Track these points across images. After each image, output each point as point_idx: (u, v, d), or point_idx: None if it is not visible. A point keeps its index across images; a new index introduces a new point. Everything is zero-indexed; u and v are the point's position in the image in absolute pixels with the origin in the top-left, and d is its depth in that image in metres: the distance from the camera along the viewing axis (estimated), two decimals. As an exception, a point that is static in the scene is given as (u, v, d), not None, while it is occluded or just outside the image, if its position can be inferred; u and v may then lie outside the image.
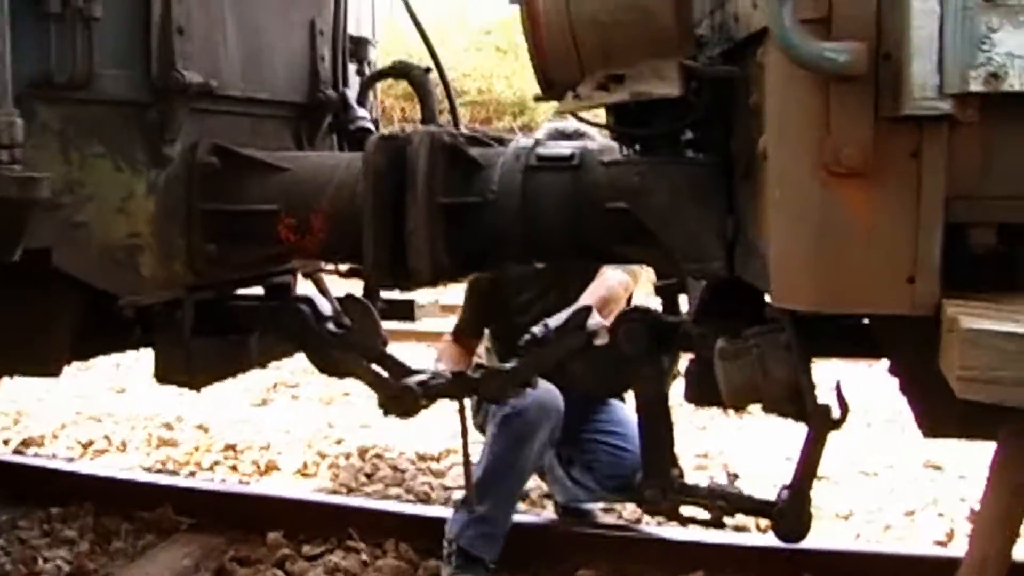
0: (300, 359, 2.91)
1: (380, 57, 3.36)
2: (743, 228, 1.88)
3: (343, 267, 2.71)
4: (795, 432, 2.07)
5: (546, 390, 3.01)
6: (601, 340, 2.37)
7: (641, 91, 1.80)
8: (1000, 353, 1.20)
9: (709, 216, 1.95)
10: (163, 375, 2.59)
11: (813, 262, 1.46)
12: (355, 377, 2.57)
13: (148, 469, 4.48)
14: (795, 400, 1.91)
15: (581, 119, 2.11)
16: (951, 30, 1.36)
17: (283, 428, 5.09)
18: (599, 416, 3.51)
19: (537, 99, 2.08)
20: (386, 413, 2.53)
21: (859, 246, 1.43)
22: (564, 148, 2.28)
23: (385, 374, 2.56)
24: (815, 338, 1.90)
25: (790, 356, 1.89)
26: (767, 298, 1.71)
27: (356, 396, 5.86)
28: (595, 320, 2.41)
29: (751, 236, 1.80)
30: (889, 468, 4.41)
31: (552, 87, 1.99)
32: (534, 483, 4.07)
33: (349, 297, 2.65)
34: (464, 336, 3.52)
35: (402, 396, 2.49)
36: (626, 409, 3.52)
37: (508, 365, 2.49)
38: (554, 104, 2.02)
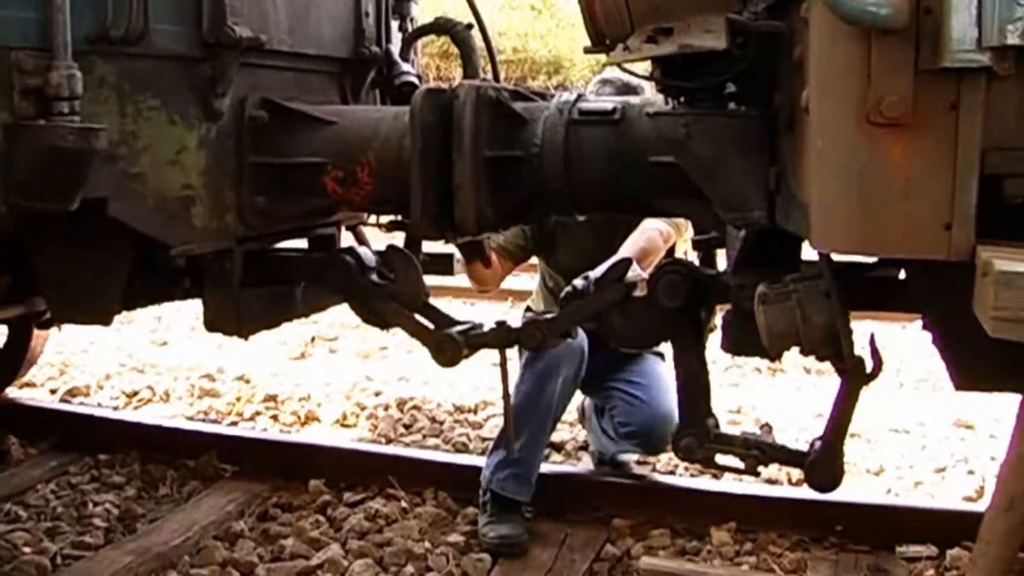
0: (337, 313, 3.07)
1: (420, 15, 3.40)
2: (785, 179, 1.93)
3: (384, 220, 2.78)
4: (827, 389, 2.14)
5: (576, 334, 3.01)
6: (640, 293, 2.43)
7: (688, 43, 1.86)
8: (1032, 294, 1.22)
9: (752, 167, 2.00)
10: (213, 323, 2.66)
11: (854, 208, 1.52)
12: (398, 327, 2.64)
13: (191, 418, 4.62)
14: (833, 345, 1.96)
15: (629, 71, 2.16)
16: None
17: (322, 380, 5.22)
18: (628, 366, 3.58)
19: (587, 51, 2.13)
20: (438, 362, 2.58)
21: (898, 193, 1.49)
22: (607, 103, 2.34)
23: (429, 325, 2.63)
24: (852, 290, 1.97)
25: (829, 303, 1.93)
26: (806, 248, 1.78)
27: (394, 349, 6.02)
28: (635, 271, 2.48)
29: (792, 186, 1.85)
30: (920, 426, 4.47)
31: (602, 40, 2.05)
32: (569, 434, 4.19)
33: (392, 248, 2.70)
34: (503, 257, 3.51)
35: (446, 345, 2.55)
36: (660, 363, 3.60)
37: (548, 316, 2.56)
38: (594, 62, 2.13)
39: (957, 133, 1.46)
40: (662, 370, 3.52)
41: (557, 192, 2.35)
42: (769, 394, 5.10)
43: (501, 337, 2.57)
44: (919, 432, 4.39)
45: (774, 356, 2.05)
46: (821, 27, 1.51)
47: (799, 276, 1.98)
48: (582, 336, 3.19)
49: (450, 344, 2.55)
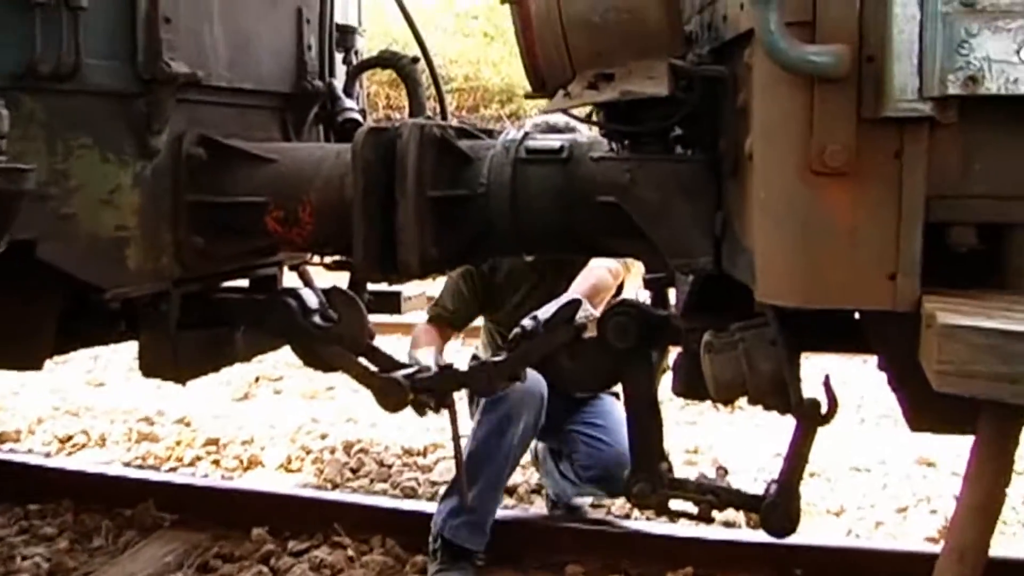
0: (283, 351, 3.01)
1: (367, 45, 3.41)
2: (730, 224, 1.95)
3: (329, 260, 2.77)
4: (786, 427, 2.14)
5: (529, 376, 3.04)
6: (589, 334, 2.45)
7: (630, 90, 1.87)
8: (974, 348, 1.28)
9: (697, 212, 2.02)
10: (149, 369, 2.65)
11: (798, 260, 1.54)
12: (342, 371, 2.64)
13: (128, 464, 4.56)
14: (781, 394, 1.99)
15: (572, 116, 2.19)
16: (931, 34, 1.45)
17: (266, 423, 5.17)
18: (585, 409, 3.59)
19: (528, 96, 2.16)
20: (383, 407, 2.59)
21: (842, 244, 1.51)
22: (554, 141, 2.35)
23: (373, 368, 2.63)
24: (803, 333, 1.98)
25: (776, 351, 1.96)
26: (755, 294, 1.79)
27: (340, 390, 5.95)
28: (586, 310, 2.51)
29: (738, 233, 1.87)
30: (882, 464, 4.52)
31: (543, 85, 2.07)
32: (521, 477, 4.19)
33: (335, 290, 2.70)
34: (445, 325, 3.53)
35: (390, 390, 2.55)
36: (616, 403, 3.61)
37: (496, 359, 2.57)
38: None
39: (901, 182, 1.49)
40: (620, 411, 3.48)
41: (504, 232, 2.36)
42: (727, 432, 5.13)
43: (447, 381, 2.58)
44: (880, 470, 4.44)
45: (725, 403, 2.08)
46: (763, 74, 1.54)
47: (745, 324, 2.01)
48: (541, 381, 3.22)
49: (395, 389, 2.56)
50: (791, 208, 1.53)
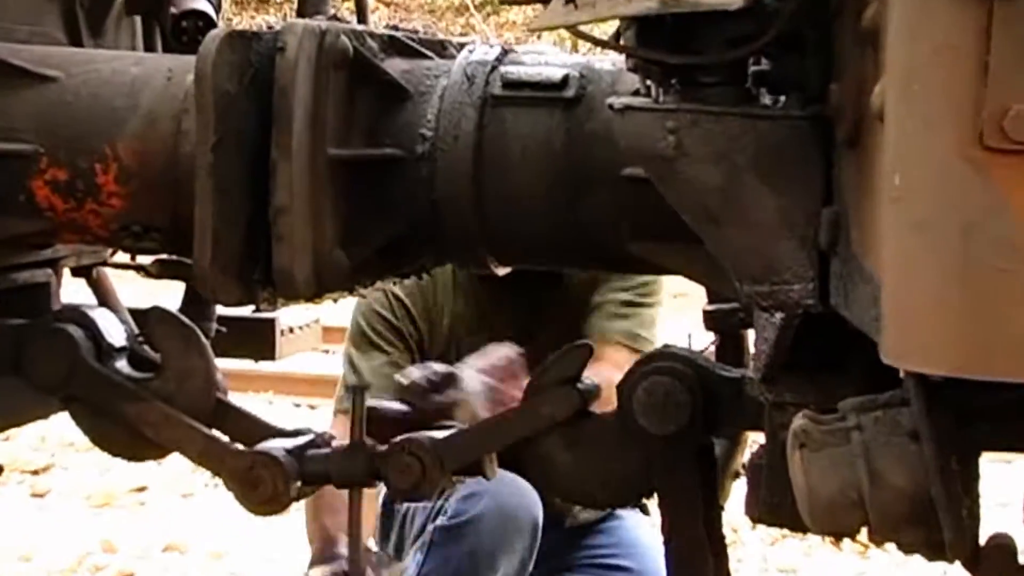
0: (55, 422, 2.61)
1: None
2: (845, 229, 1.56)
3: (148, 259, 2.36)
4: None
5: (510, 483, 2.56)
6: (603, 408, 2.04)
7: None
8: None
9: (789, 206, 1.60)
10: None
11: (956, 297, 1.22)
12: (167, 446, 2.17)
13: None
14: (927, 525, 1.54)
15: (583, 35, 1.73)
16: None
17: (15, 551, 4.37)
18: (597, 539, 3.12)
19: (505, 1, 1.91)
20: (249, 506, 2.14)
21: None
22: (552, 67, 1.97)
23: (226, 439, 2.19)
24: (973, 419, 1.60)
25: (919, 451, 1.53)
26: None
27: (157, 491, 5.22)
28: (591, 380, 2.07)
29: (856, 245, 1.49)
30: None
31: None
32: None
33: (157, 313, 2.24)
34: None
35: (262, 473, 2.05)
36: (646, 526, 3.16)
37: (440, 434, 2.11)
38: (529, 11, 1.85)
39: None
40: (654, 539, 3.00)
41: (460, 222, 1.96)
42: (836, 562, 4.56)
43: (356, 465, 2.09)
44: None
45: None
46: None
47: (868, 401, 1.59)
48: (533, 497, 2.73)
49: (270, 470, 2.04)
50: (945, 207, 1.21)
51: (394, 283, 2.69)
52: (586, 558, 3.11)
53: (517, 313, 2.98)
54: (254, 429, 2.22)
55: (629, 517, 3.19)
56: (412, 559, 2.83)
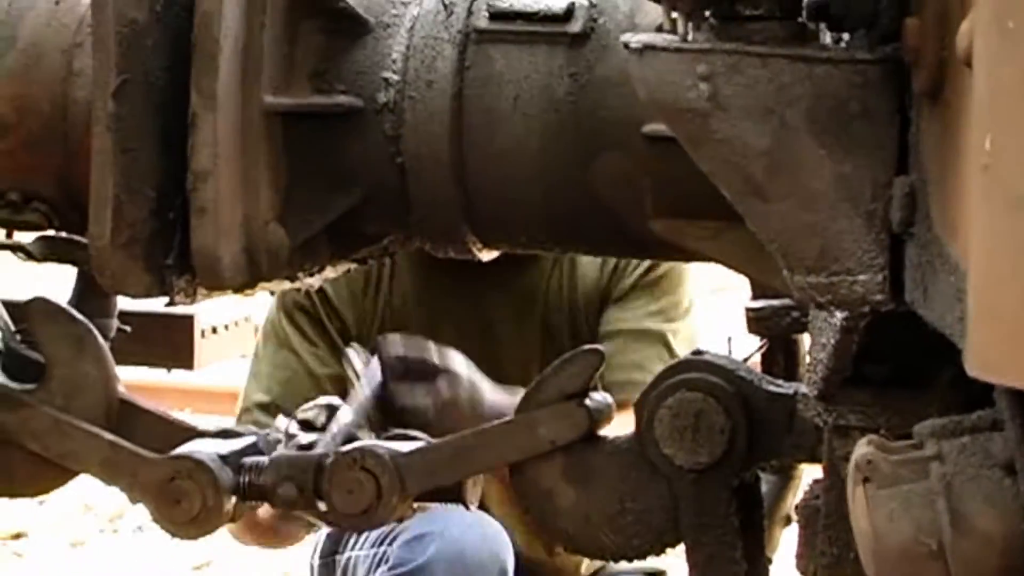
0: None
1: None
2: (924, 206, 1.49)
3: (28, 236, 2.24)
4: None
5: (470, 522, 2.58)
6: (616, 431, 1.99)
7: None
8: None
9: (855, 176, 1.53)
10: None
11: None
12: (62, 461, 2.07)
13: None
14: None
15: None
16: None
17: None
18: None
19: None
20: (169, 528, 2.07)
21: None
22: None
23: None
24: None
25: (1013, 485, 1.46)
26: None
27: (39, 538, 5.12)
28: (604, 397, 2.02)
29: (938, 226, 1.42)
30: None
31: None
32: None
33: (39, 304, 2.14)
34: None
35: (186, 483, 1.98)
36: None
37: (405, 447, 2.03)
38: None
39: None
40: None
41: (434, 191, 1.89)
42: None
43: (300, 478, 2.01)
44: None
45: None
46: None
47: (951, 424, 1.52)
48: (500, 537, 2.67)
49: (196, 481, 1.98)
50: None
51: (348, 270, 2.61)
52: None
53: (475, 303, 2.91)
54: (172, 432, 2.13)
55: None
56: None
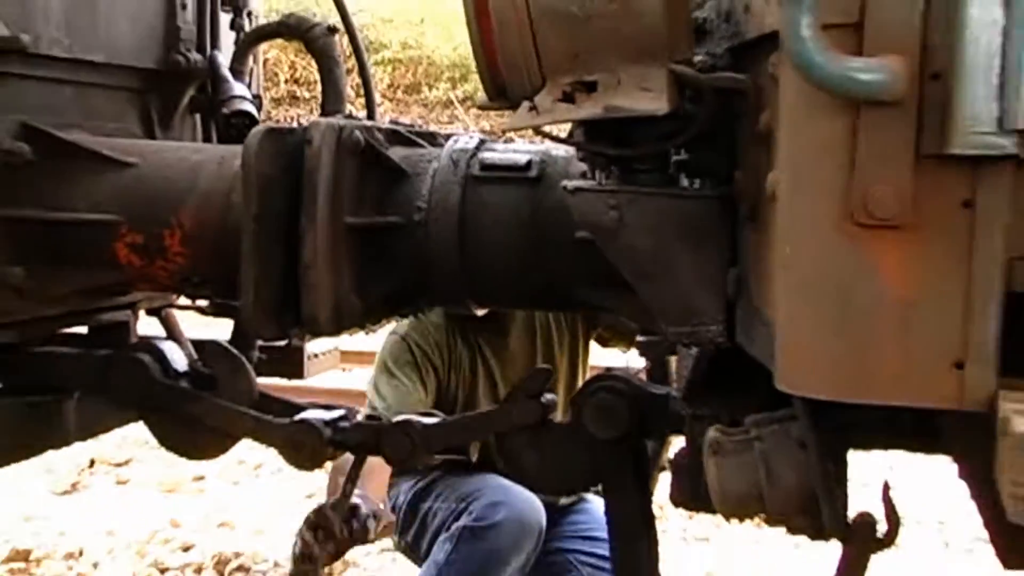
0: (132, 426, 3.08)
1: (265, 6, 3.42)
2: (747, 284, 2.00)
3: (205, 303, 2.82)
4: (833, 547, 2.12)
5: (525, 499, 3.27)
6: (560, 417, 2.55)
7: (617, 106, 1.91)
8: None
9: (704, 265, 2.08)
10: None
11: (832, 339, 1.57)
12: (225, 430, 2.71)
13: None
14: (811, 513, 2.01)
15: (543, 133, 2.19)
16: (1019, 45, 1.46)
17: (103, 527, 5.16)
18: (574, 517, 3.76)
19: (483, 108, 2.19)
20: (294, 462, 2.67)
21: (892, 320, 1.54)
22: (519, 154, 2.46)
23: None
24: (848, 428, 2.00)
25: (805, 456, 1.98)
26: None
27: (213, 480, 6.05)
28: (551, 396, 2.58)
29: (755, 297, 1.92)
30: (971, 606, 4.56)
31: (502, 94, 2.10)
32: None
33: (213, 345, 2.75)
34: None
35: (303, 437, 2.64)
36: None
37: (427, 419, 2.66)
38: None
39: (972, 239, 1.51)
40: None
41: (448, 274, 2.45)
42: (753, 552, 5.15)
43: (367, 438, 2.67)
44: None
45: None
46: (792, 92, 1.57)
47: (765, 417, 2.05)
48: (539, 506, 3.36)
49: (310, 436, 2.64)
50: (824, 270, 1.56)
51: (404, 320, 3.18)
52: (567, 532, 3.66)
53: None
54: (292, 407, 2.75)
55: (595, 500, 3.70)
56: (440, 547, 3.39)
